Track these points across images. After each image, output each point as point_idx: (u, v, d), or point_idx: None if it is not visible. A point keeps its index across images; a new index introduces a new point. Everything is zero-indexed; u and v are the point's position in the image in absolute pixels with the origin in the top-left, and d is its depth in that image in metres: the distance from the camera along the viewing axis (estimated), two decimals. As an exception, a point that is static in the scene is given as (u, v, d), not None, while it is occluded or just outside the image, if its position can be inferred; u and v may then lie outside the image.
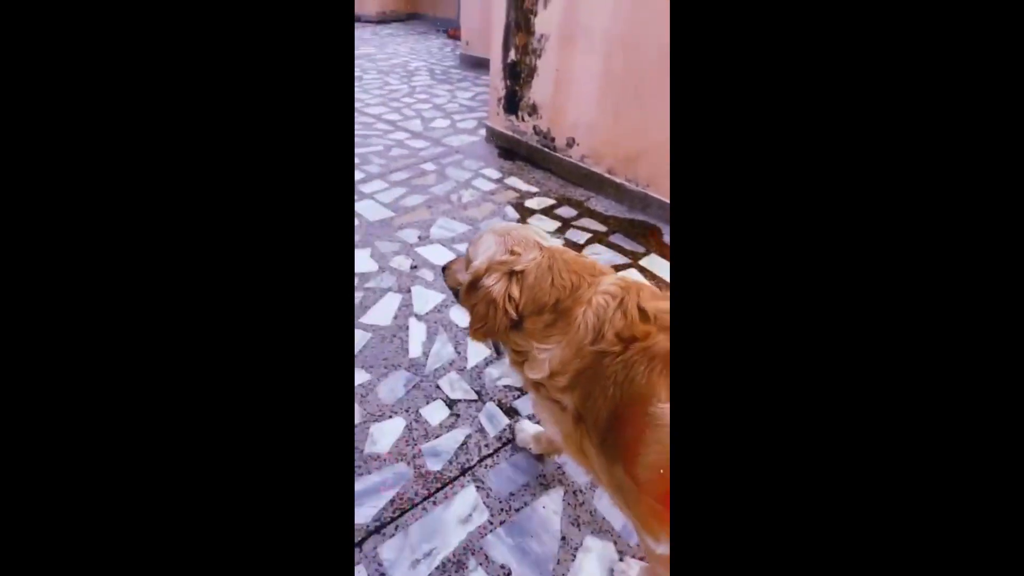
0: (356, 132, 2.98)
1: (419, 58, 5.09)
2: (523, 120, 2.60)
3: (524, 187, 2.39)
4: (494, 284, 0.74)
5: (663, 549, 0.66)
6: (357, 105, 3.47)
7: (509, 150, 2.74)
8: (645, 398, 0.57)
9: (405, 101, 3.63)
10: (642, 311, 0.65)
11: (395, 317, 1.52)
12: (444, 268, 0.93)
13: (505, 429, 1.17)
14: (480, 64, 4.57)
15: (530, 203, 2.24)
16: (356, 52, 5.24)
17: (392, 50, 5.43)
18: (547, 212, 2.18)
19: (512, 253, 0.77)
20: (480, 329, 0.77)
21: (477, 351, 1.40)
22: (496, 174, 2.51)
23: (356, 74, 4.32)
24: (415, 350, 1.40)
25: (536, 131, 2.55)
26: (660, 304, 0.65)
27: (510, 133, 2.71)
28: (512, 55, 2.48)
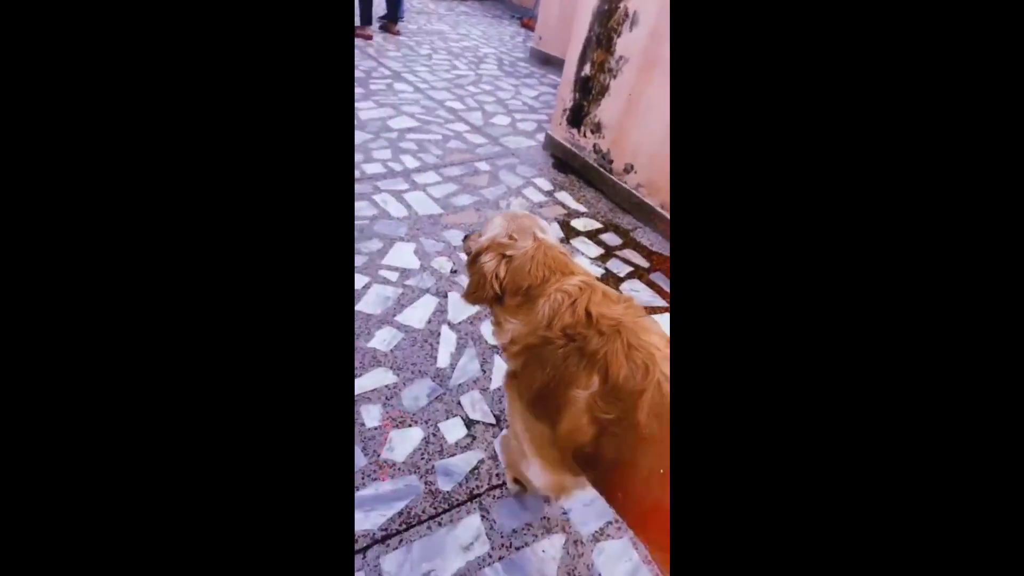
0: (418, 116, 3.00)
1: (490, 44, 5.05)
2: (585, 136, 2.57)
3: (573, 205, 2.38)
4: (488, 262, 0.89)
5: (540, 480, 0.90)
6: (422, 87, 3.48)
7: (564, 162, 2.72)
8: (570, 384, 0.73)
9: (470, 90, 3.62)
10: (588, 313, 0.77)
11: (428, 321, 1.55)
12: (465, 237, 1.06)
13: (517, 461, 1.20)
14: (549, 61, 4.52)
15: (576, 223, 2.23)
16: (429, 28, 5.24)
17: (465, 31, 5.40)
18: (592, 236, 2.16)
19: (511, 239, 0.90)
20: (471, 295, 0.93)
21: (501, 373, 1.42)
22: (547, 185, 2.50)
23: (426, 52, 4.33)
24: (443, 360, 1.43)
25: (596, 149, 2.52)
26: (603, 309, 0.77)
27: (568, 145, 2.68)
28: (587, 70, 2.44)
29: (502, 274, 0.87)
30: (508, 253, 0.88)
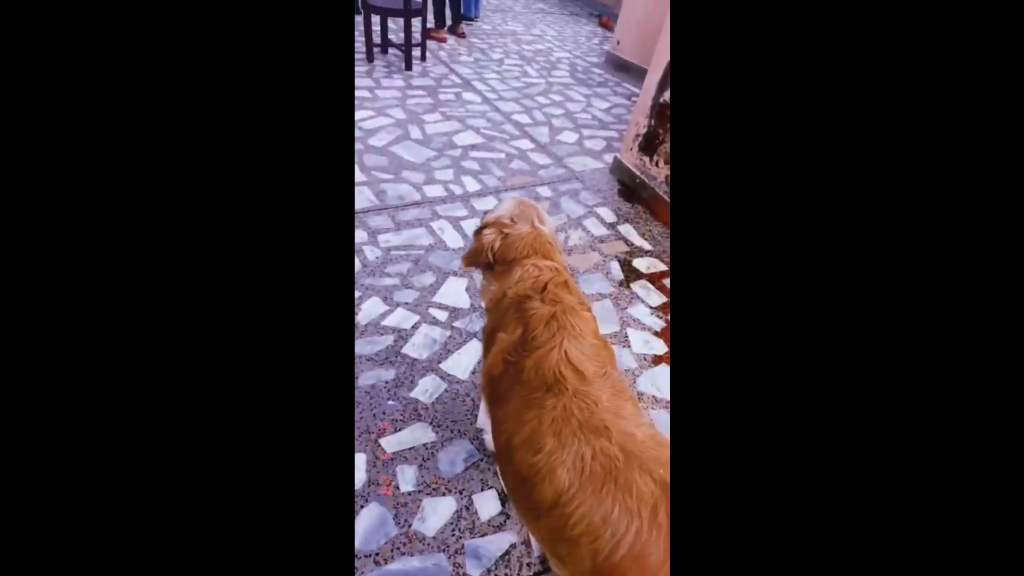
0: (483, 131, 2.95)
1: (564, 47, 4.89)
2: (657, 165, 2.40)
3: (637, 241, 2.24)
4: (488, 235, 1.08)
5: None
6: (491, 97, 3.43)
7: (632, 191, 2.57)
8: (503, 328, 0.95)
9: (539, 101, 3.52)
10: (544, 286, 0.96)
11: (473, 372, 1.51)
12: (483, 215, 1.24)
13: (551, 551, 1.13)
14: (626, 68, 4.29)
15: (638, 263, 2.09)
16: (503, 28, 5.15)
17: (539, 31, 5.27)
18: (653, 280, 2.02)
19: (512, 221, 1.09)
20: (470, 258, 1.13)
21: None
22: (611, 217, 2.37)
23: (497, 57, 4.26)
24: (483, 419, 1.38)
25: (668, 181, 2.35)
26: (558, 291, 0.95)
27: (638, 173, 2.52)
28: (666, 96, 2.26)
29: (496, 246, 1.06)
30: (506, 231, 1.07)
